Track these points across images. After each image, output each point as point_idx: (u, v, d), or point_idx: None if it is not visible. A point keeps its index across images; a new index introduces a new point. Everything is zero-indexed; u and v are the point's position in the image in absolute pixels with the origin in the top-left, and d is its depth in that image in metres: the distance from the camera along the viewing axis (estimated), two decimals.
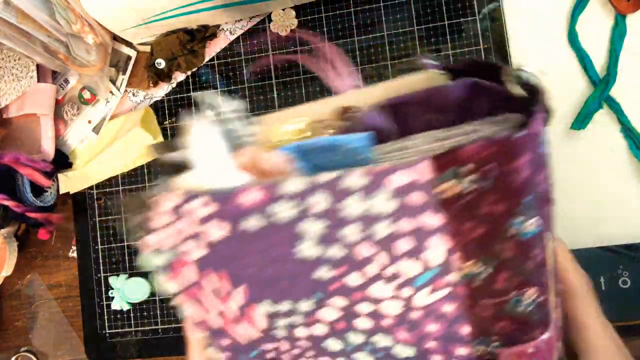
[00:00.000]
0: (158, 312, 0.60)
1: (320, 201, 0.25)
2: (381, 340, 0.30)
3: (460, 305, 0.27)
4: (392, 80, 0.33)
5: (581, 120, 0.52)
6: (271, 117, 0.35)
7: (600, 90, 0.51)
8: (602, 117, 0.52)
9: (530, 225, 0.25)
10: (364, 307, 0.28)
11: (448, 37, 0.56)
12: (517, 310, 0.27)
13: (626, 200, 0.52)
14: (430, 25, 0.56)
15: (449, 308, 0.27)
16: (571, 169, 0.53)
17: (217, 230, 0.27)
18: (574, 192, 0.53)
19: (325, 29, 0.58)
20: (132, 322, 0.61)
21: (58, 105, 0.62)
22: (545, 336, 0.28)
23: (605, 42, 0.52)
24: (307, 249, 0.26)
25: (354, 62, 0.57)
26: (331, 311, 0.29)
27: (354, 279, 0.27)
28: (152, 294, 0.60)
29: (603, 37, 0.52)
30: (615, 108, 0.52)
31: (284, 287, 0.28)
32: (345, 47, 0.58)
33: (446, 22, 0.56)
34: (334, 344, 0.31)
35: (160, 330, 0.60)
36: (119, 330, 0.61)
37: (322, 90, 0.58)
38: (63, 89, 0.62)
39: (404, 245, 0.26)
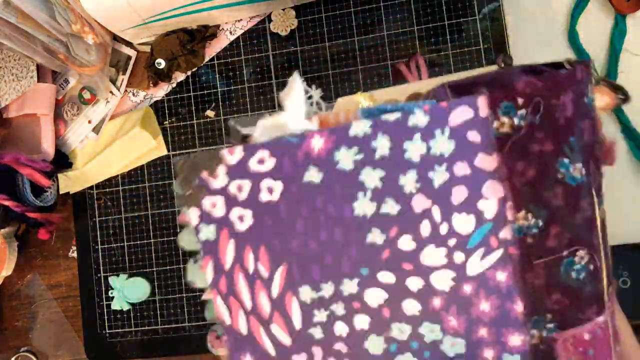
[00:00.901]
0: (158, 312, 0.60)
1: (383, 144, 0.26)
2: (429, 333, 0.28)
3: (513, 271, 0.27)
4: (462, 72, 0.35)
5: None
6: (345, 100, 0.37)
7: None
8: (602, 117, 0.52)
9: (576, 170, 0.26)
10: (413, 283, 0.28)
11: (448, 37, 0.56)
12: (569, 276, 0.27)
13: (626, 200, 0.52)
14: (430, 25, 0.56)
15: (501, 276, 0.27)
16: None
17: (270, 191, 0.27)
18: None
19: (325, 29, 0.58)
20: (132, 322, 0.61)
21: (58, 105, 0.62)
22: (600, 319, 0.28)
23: (605, 42, 0.52)
24: (363, 205, 0.27)
25: (354, 62, 0.57)
26: (377, 292, 0.28)
27: (405, 243, 0.27)
28: (152, 293, 0.60)
29: (603, 37, 0.52)
30: (616, 108, 0.52)
31: (328, 263, 0.28)
32: (345, 47, 0.58)
33: (446, 22, 0.56)
34: (375, 344, 0.29)
35: (160, 330, 0.60)
36: (119, 330, 0.61)
37: (322, 91, 0.58)
38: (63, 89, 0.62)
39: (458, 194, 0.26)
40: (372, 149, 0.26)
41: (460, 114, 0.25)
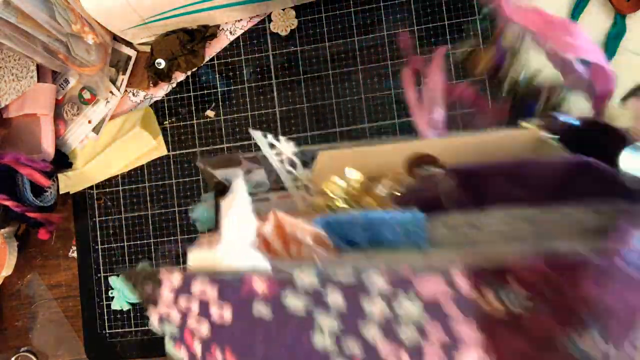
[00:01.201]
0: None
1: (336, 300, 0.23)
2: None
3: None
4: (483, 133, 0.28)
5: None
6: (330, 155, 0.31)
7: None
8: None
9: (589, 343, 0.20)
10: None
11: (448, 37, 0.56)
12: None
13: None
14: (430, 25, 0.56)
15: None
16: None
17: (220, 312, 0.25)
18: None
19: (325, 29, 0.58)
20: (132, 322, 0.61)
21: (58, 105, 0.62)
22: None
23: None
24: (322, 340, 0.23)
25: (354, 62, 0.57)
26: None
27: None
28: None
29: (603, 37, 0.52)
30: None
31: None
32: (345, 47, 0.58)
33: (446, 22, 0.56)
34: None
35: None
36: (119, 330, 0.61)
37: (322, 91, 0.58)
38: (63, 89, 0.62)
39: (432, 352, 0.21)
40: (325, 302, 0.23)
41: (431, 285, 0.20)
